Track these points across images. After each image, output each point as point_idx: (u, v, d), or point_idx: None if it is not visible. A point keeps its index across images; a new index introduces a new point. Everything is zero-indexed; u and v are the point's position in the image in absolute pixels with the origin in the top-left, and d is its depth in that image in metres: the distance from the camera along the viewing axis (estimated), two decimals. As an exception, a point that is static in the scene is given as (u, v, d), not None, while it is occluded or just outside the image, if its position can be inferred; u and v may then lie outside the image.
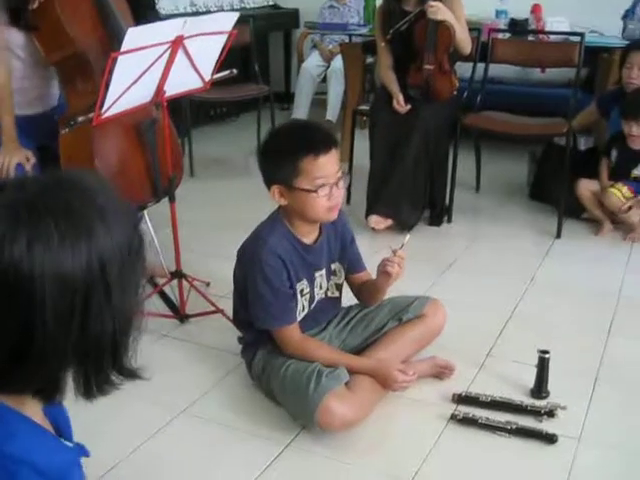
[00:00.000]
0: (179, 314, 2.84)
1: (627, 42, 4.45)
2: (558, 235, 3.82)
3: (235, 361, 2.54)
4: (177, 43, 2.42)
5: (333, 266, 2.42)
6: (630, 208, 3.76)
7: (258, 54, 5.53)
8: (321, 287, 2.39)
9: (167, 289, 2.97)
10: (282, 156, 2.17)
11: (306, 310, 2.34)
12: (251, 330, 2.37)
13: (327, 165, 2.16)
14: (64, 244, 0.88)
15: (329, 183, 2.16)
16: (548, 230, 3.87)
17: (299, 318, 2.30)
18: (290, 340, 2.26)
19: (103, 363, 0.97)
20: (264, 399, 2.36)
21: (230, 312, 2.53)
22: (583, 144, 4.68)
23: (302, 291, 2.30)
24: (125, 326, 0.96)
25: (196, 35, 2.47)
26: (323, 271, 2.37)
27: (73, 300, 0.89)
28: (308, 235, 2.31)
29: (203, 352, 2.66)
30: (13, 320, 0.88)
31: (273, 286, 2.21)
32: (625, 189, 3.81)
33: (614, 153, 3.88)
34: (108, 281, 0.91)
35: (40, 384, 0.96)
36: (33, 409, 0.99)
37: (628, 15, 4.51)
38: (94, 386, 0.99)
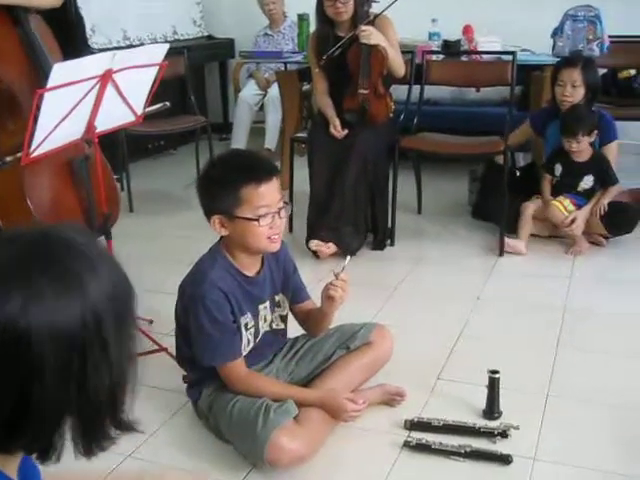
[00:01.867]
0: (121, 354, 2.75)
1: (557, 59, 4.53)
2: (501, 253, 3.83)
3: (181, 400, 2.46)
4: (106, 77, 2.37)
5: (277, 297, 2.38)
6: (573, 221, 3.79)
7: (194, 85, 5.51)
8: (265, 320, 2.34)
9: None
10: (223, 185, 2.13)
11: (251, 344, 2.29)
12: (196, 368, 2.30)
13: (269, 193, 2.12)
14: (58, 300, 0.86)
15: (271, 212, 2.13)
16: (491, 248, 3.88)
17: (244, 353, 2.24)
18: (236, 376, 2.20)
19: (101, 419, 0.95)
20: (213, 439, 2.28)
21: (174, 350, 2.46)
22: (522, 161, 4.75)
23: (246, 325, 2.25)
24: (122, 379, 0.95)
25: (125, 68, 2.42)
26: (267, 303, 2.32)
27: (70, 357, 0.87)
28: (250, 267, 2.27)
29: (147, 392, 2.56)
30: (10, 381, 0.85)
31: (216, 321, 2.15)
32: (567, 202, 3.85)
33: (558, 168, 3.91)
34: (103, 334, 0.90)
35: (37, 444, 0.93)
36: (12, 464, 0.95)
37: (557, 33, 4.58)
38: (93, 443, 0.96)
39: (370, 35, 3.64)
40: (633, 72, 5.40)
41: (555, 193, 3.91)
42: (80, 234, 0.95)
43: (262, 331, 2.33)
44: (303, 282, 2.49)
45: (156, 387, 2.58)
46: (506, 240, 3.83)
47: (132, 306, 0.98)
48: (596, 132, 3.81)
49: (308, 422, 2.17)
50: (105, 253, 0.97)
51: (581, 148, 3.79)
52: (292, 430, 2.10)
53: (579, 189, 3.88)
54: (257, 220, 2.10)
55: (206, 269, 2.20)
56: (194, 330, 2.19)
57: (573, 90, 3.84)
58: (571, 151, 3.81)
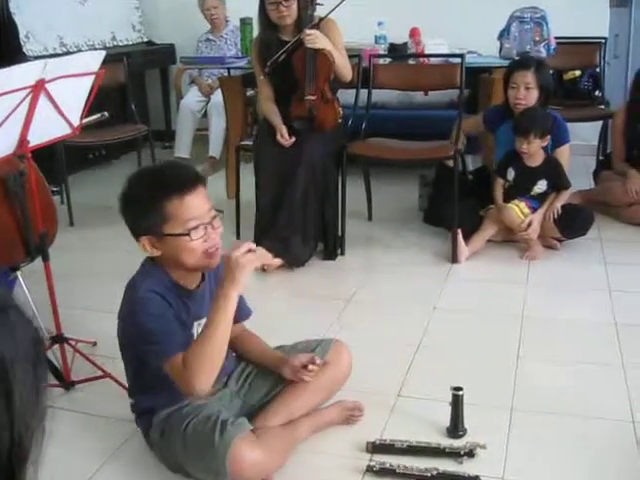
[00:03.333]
0: (63, 382, 2.59)
1: (505, 61, 4.49)
2: (454, 259, 3.75)
3: (130, 429, 2.31)
4: (38, 88, 2.21)
5: None
6: (529, 225, 3.74)
7: (135, 93, 5.34)
8: None
9: (49, 353, 2.71)
10: (144, 205, 1.97)
11: None
12: (144, 394, 2.16)
13: (196, 204, 1.98)
14: None
15: (203, 223, 1.98)
16: (445, 254, 3.81)
17: None
18: (179, 366, 1.97)
19: None
20: (167, 470, 2.14)
21: (120, 374, 2.31)
22: (471, 164, 4.70)
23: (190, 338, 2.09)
24: (27, 439, 0.80)
25: (59, 78, 2.26)
26: (203, 320, 2.12)
27: None
28: (188, 281, 2.10)
29: (93, 422, 2.42)
30: None
31: (154, 315, 1.97)
32: (523, 205, 3.80)
33: (511, 172, 3.87)
34: (8, 384, 0.77)
35: None
36: None
37: (503, 35, 4.54)
38: None
39: (316, 39, 3.54)
40: (578, 73, 5.42)
41: (508, 198, 3.86)
42: None
43: None
44: (244, 300, 2.33)
45: (102, 416, 2.44)
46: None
47: (43, 356, 0.86)
48: (549, 137, 3.77)
49: (266, 435, 2.08)
50: (14, 299, 0.84)
51: (531, 150, 3.75)
52: (251, 440, 2.00)
53: (532, 193, 3.84)
54: (188, 234, 1.96)
55: (139, 280, 2.05)
56: (136, 335, 2.02)
57: (527, 92, 3.81)
58: (522, 152, 3.76)
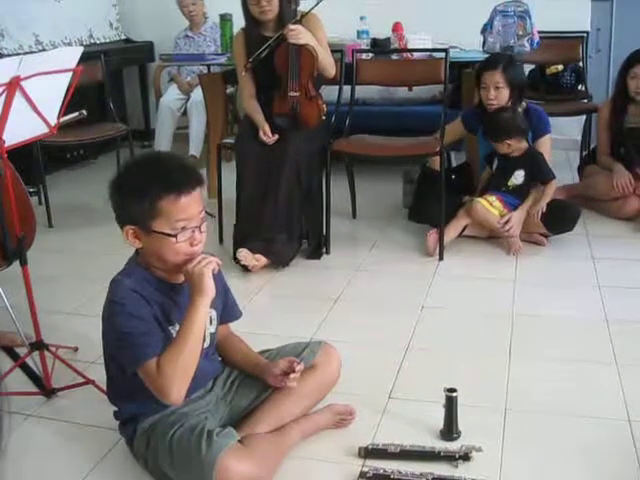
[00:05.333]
0: (44, 389, 2.51)
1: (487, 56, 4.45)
2: (441, 257, 3.70)
3: (114, 437, 2.22)
4: (13, 85, 2.13)
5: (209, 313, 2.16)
6: (507, 222, 3.70)
7: (113, 92, 5.24)
8: None
9: (30, 360, 2.63)
10: (138, 194, 1.89)
11: None
12: (128, 401, 2.09)
13: (190, 207, 1.91)
14: None
15: (191, 227, 1.92)
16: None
17: None
18: (153, 371, 1.91)
19: None
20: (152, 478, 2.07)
21: (102, 381, 2.23)
22: (454, 160, 4.65)
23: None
24: None
25: (35, 75, 2.18)
26: None
27: None
28: (172, 276, 2.02)
29: (76, 430, 2.33)
30: None
31: (132, 316, 1.90)
32: (493, 198, 3.77)
33: (495, 162, 3.86)
34: None
35: None
36: None
37: (487, 29, 4.49)
38: None
39: (299, 34, 3.47)
40: (561, 67, 5.38)
41: (488, 187, 3.85)
42: None
43: None
44: (235, 301, 2.30)
45: (85, 424, 2.36)
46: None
47: None
48: (523, 140, 3.76)
49: (254, 444, 2.00)
50: None
51: (510, 150, 3.75)
52: (239, 451, 1.93)
53: (509, 184, 3.80)
54: (175, 236, 1.90)
55: (120, 277, 1.99)
56: (113, 337, 1.96)
57: (497, 92, 3.79)
58: (500, 154, 3.75)
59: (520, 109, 3.87)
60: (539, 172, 3.78)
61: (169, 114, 5.74)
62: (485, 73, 3.82)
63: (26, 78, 2.15)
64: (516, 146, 3.73)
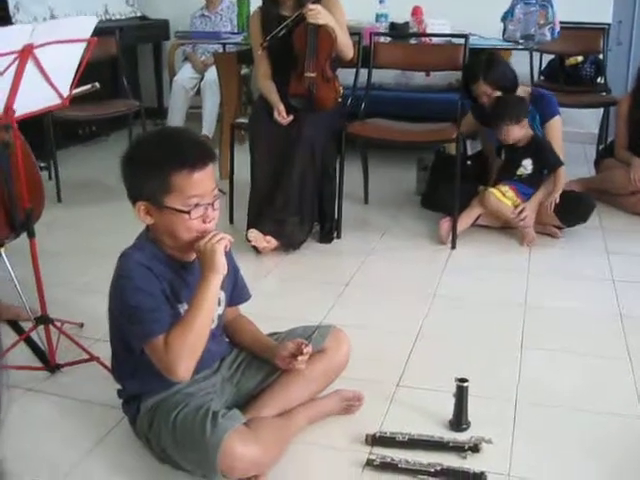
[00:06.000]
0: (48, 364, 2.47)
1: (509, 44, 4.39)
2: (453, 245, 3.65)
3: (117, 415, 2.19)
4: (26, 53, 2.08)
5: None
6: (522, 212, 3.65)
7: (126, 69, 5.17)
8: None
9: (34, 335, 2.60)
10: (151, 168, 1.85)
11: None
12: (132, 379, 2.05)
13: (203, 182, 1.87)
14: None
15: (204, 203, 1.88)
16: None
17: None
18: (161, 348, 1.87)
19: None
20: (153, 459, 2.03)
21: (108, 358, 2.19)
22: (469, 149, 4.59)
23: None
24: None
25: (48, 43, 2.13)
26: None
27: None
28: (184, 253, 1.99)
29: (79, 407, 2.30)
30: None
31: (141, 290, 1.87)
32: (507, 188, 3.72)
33: (503, 153, 3.81)
34: None
35: None
36: None
37: (507, 17, 4.42)
38: None
39: (318, 14, 3.41)
40: (580, 59, 5.32)
41: (499, 177, 3.80)
42: None
43: None
44: (244, 282, 2.26)
45: (88, 401, 2.33)
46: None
47: None
48: (525, 121, 3.67)
49: (260, 427, 1.96)
50: None
51: (511, 137, 3.67)
52: (244, 434, 1.88)
53: (519, 173, 3.74)
54: (188, 212, 1.86)
55: (130, 252, 1.95)
56: (120, 312, 1.92)
57: (489, 98, 3.72)
58: (503, 140, 3.69)
59: (524, 94, 3.80)
60: (546, 161, 3.71)
61: (182, 93, 5.70)
62: (472, 86, 3.76)
63: (39, 46, 2.10)
64: (517, 134, 3.66)
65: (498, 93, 3.70)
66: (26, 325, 2.64)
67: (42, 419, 2.25)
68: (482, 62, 3.76)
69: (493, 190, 3.71)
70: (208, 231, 1.91)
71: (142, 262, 1.91)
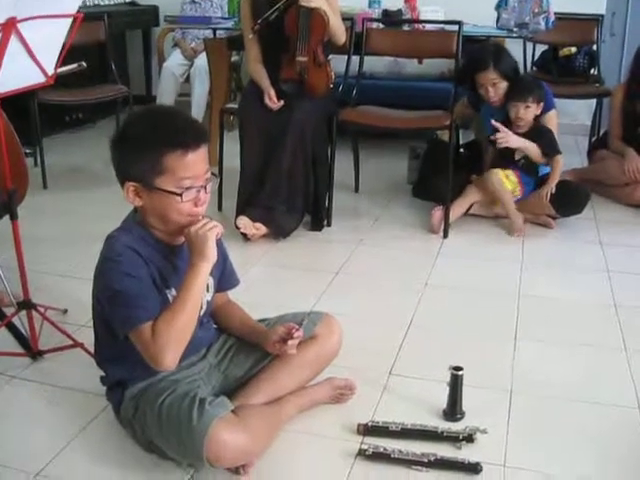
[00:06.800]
0: (30, 350, 2.41)
1: (502, 32, 4.34)
2: (445, 234, 3.60)
3: (101, 403, 2.13)
4: (8, 27, 2.00)
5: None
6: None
7: (115, 54, 5.09)
8: None
9: (16, 320, 2.52)
10: (143, 148, 1.79)
11: None
12: (116, 364, 1.98)
13: (196, 164, 1.81)
14: None
15: (196, 186, 1.82)
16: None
17: None
18: (148, 336, 1.80)
19: None
20: (138, 448, 1.97)
21: (91, 344, 2.13)
22: (461, 138, 4.54)
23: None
24: None
25: (32, 18, 2.05)
26: None
27: None
28: (172, 237, 1.93)
29: (62, 395, 2.24)
30: None
31: (128, 275, 1.80)
32: (510, 171, 3.69)
33: None
34: None
35: None
36: None
37: (501, 5, 4.37)
38: None
39: (310, -3, 3.35)
40: (574, 50, 5.27)
41: (497, 165, 3.74)
42: None
43: None
44: (233, 268, 2.20)
45: (71, 388, 2.26)
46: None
47: None
48: (542, 104, 3.67)
49: (248, 415, 1.91)
50: None
51: (528, 116, 3.65)
52: (232, 422, 1.83)
53: (516, 158, 3.70)
54: (180, 195, 1.80)
55: (117, 234, 1.88)
56: (106, 295, 1.85)
57: (495, 88, 3.69)
58: (517, 118, 3.63)
59: None
60: (549, 145, 3.66)
61: (172, 80, 5.62)
62: (478, 74, 3.71)
63: (23, 20, 2.03)
64: (530, 114, 3.63)
65: (504, 82, 3.66)
66: (8, 310, 2.57)
67: (23, 407, 2.19)
68: (492, 49, 3.77)
69: (497, 170, 3.66)
70: (199, 215, 1.85)
71: (130, 245, 1.84)
